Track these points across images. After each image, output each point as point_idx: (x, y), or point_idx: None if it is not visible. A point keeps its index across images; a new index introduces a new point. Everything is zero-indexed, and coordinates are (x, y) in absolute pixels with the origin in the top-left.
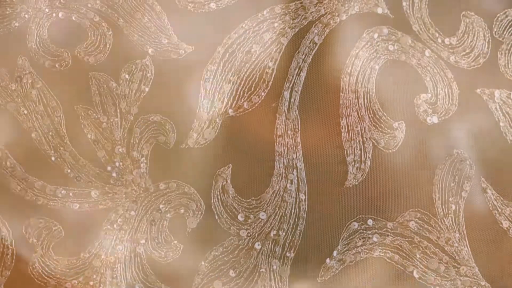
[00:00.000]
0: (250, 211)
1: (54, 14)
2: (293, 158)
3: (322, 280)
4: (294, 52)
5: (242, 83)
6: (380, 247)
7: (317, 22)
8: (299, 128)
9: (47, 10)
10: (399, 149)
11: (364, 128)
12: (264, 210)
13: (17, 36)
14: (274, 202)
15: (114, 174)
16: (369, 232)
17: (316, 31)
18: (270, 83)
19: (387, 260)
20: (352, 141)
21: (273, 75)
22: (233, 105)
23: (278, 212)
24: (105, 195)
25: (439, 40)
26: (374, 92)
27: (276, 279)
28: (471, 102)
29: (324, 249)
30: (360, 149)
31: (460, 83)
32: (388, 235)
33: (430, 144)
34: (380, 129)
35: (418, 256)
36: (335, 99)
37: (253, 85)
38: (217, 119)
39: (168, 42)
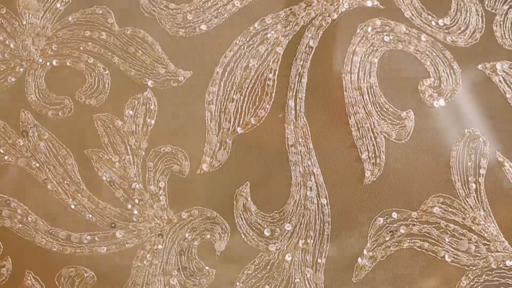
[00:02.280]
0: (275, 224)
1: (48, 63)
2: (308, 165)
3: (357, 280)
4: (291, 59)
5: (246, 99)
6: (408, 238)
7: (309, 25)
8: (310, 134)
9: (40, 60)
10: (411, 138)
11: (373, 123)
12: (288, 221)
13: (15, 91)
14: (297, 211)
15: (135, 212)
16: (395, 225)
17: (310, 35)
18: (273, 94)
19: (418, 249)
20: (364, 138)
21: (275, 86)
22: (241, 123)
23: (302, 221)
24: (130, 233)
25: (433, 23)
26: (377, 85)
27: (312, 287)
28: (474, 79)
29: (354, 249)
30: (373, 145)
31: (460, 62)
32: (414, 225)
33: (441, 127)
34: (389, 121)
35: (447, 240)
36: (340, 99)
37: (257, 100)
38: (227, 140)
39: (165, 71)
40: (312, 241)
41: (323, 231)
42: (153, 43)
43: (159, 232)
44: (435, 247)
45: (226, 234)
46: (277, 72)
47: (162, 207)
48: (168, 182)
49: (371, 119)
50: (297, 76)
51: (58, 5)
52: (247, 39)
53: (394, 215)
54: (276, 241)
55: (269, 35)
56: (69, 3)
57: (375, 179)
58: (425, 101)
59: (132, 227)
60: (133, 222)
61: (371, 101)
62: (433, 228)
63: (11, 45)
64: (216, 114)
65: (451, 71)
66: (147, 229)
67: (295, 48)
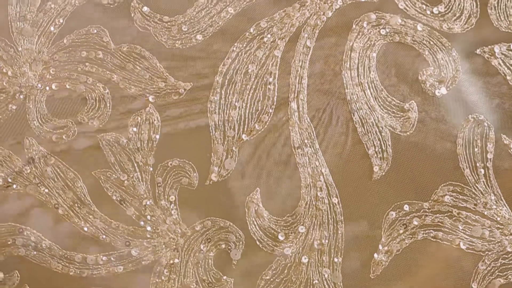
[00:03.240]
0: (289, 228)
1: (47, 88)
2: (316, 166)
3: (375, 275)
4: (290, 61)
5: (248, 105)
6: (422, 229)
7: (305, 25)
8: (315, 135)
9: (39, 85)
10: (416, 129)
11: (377, 117)
12: (302, 223)
13: (17, 119)
14: (310, 213)
15: (148, 228)
16: (408, 217)
17: (306, 35)
18: (275, 98)
19: (432, 239)
20: (369, 134)
21: (276, 90)
22: (245, 130)
23: (316, 222)
24: (145, 250)
25: (428, 12)
26: (378, 80)
27: (331, 286)
28: (474, 64)
29: (369, 245)
30: (379, 139)
31: (458, 48)
32: (427, 215)
33: (445, 116)
34: (392, 114)
35: (460, 227)
36: (342, 97)
37: (259, 105)
38: (233, 148)
39: (165, 85)
40: (327, 241)
41: (337, 230)
42: (151, 57)
43: (174, 247)
44: (450, 235)
45: (241, 242)
46: (277, 76)
47: (175, 221)
48: (178, 196)
49: (374, 114)
50: (297, 78)
51: (52, 28)
52: (244, 45)
53: (406, 207)
54: (292, 244)
55: (265, 39)
56: (63, 25)
57: (384, 173)
58: (427, 91)
59: (146, 244)
60: (147, 238)
61: (373, 95)
62: (445, 217)
63: (9, 73)
64: (220, 123)
65: (450, 59)
66: (162, 245)
67: (293, 49)
